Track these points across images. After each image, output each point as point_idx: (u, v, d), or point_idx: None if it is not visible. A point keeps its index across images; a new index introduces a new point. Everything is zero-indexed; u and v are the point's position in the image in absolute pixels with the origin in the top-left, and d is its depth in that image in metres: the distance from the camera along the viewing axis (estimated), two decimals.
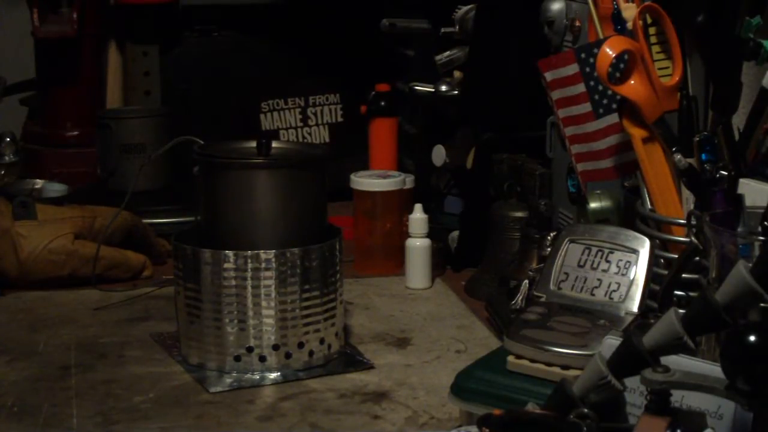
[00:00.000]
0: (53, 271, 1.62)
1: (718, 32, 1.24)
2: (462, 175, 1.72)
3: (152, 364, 1.36)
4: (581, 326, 1.12)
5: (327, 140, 2.13)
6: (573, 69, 1.34)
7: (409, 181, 1.74)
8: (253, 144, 1.37)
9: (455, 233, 1.72)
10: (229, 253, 1.31)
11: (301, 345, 1.33)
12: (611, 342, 0.95)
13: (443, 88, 1.74)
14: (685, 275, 1.17)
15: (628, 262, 1.15)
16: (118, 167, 1.92)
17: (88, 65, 2.11)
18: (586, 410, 0.88)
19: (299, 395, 1.27)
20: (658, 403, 0.85)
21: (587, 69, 1.32)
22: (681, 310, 0.86)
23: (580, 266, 1.17)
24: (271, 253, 1.31)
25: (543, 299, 1.18)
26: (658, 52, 1.27)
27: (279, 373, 1.32)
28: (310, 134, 2.13)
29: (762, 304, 0.84)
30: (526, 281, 1.38)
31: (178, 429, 1.19)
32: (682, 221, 1.21)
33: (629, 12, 1.26)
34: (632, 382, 0.90)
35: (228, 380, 1.30)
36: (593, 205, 1.38)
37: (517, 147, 1.63)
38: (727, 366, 0.82)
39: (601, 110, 1.33)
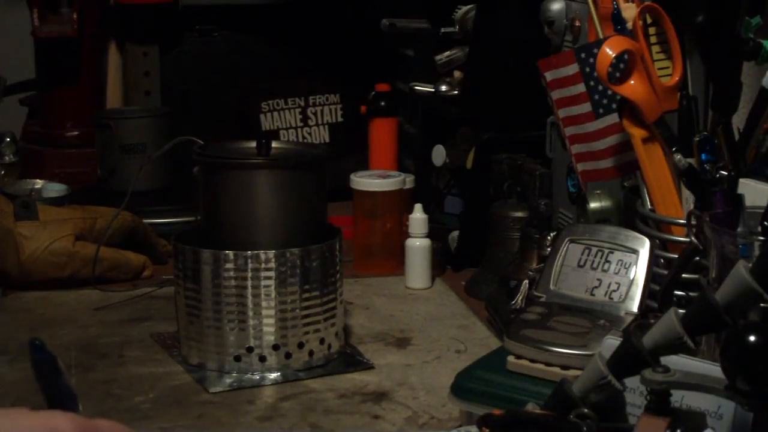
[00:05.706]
0: (54, 273, 1.62)
1: (718, 32, 1.24)
2: (462, 175, 1.72)
3: (152, 364, 1.36)
4: (581, 326, 1.12)
5: (327, 140, 2.13)
6: (573, 69, 1.34)
7: (409, 181, 1.74)
8: (253, 144, 1.37)
9: (455, 233, 1.71)
10: (229, 253, 1.31)
11: (301, 345, 1.33)
12: (611, 342, 0.95)
13: (443, 88, 1.74)
14: (685, 275, 1.17)
15: (628, 262, 1.15)
16: (118, 167, 1.91)
17: (88, 65, 2.10)
18: (586, 410, 0.88)
19: (299, 395, 1.27)
20: (658, 403, 0.85)
21: (587, 69, 1.32)
22: (681, 310, 0.86)
23: (580, 266, 1.17)
24: (271, 253, 1.31)
25: (543, 299, 1.18)
26: (658, 52, 1.27)
27: (279, 373, 1.32)
28: (310, 134, 2.13)
29: (762, 304, 0.84)
30: (526, 281, 1.38)
31: (178, 429, 1.19)
32: (682, 221, 1.21)
33: (629, 12, 1.26)
34: (632, 382, 0.90)
35: (228, 380, 1.30)
36: (593, 205, 1.38)
37: (517, 147, 1.63)
38: (727, 366, 0.82)
39: (601, 110, 1.33)
